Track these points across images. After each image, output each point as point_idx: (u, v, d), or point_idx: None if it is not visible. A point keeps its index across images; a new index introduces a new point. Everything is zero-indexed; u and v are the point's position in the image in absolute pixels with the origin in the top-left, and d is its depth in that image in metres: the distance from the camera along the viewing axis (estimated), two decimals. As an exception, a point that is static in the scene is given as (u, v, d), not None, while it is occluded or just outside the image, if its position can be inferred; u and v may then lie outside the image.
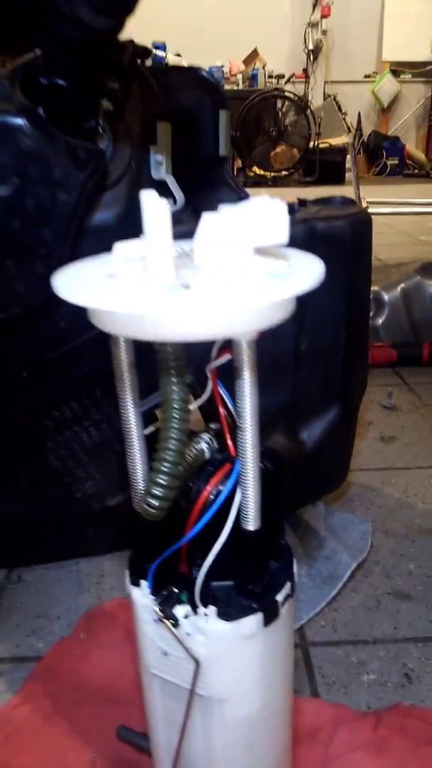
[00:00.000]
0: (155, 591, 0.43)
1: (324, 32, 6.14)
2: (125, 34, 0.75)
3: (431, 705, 0.70)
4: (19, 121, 0.62)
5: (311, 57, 6.19)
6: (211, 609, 0.42)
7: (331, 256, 0.78)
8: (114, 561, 0.92)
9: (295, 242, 0.38)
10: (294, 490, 0.92)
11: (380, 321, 1.72)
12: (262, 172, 5.50)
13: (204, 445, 0.43)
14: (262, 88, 5.70)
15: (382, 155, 6.11)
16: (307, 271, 0.35)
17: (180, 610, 0.42)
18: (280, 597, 0.44)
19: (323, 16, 6.04)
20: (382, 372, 1.63)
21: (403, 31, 6.25)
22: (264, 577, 0.44)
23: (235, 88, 5.77)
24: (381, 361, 1.63)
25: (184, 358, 0.38)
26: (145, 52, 0.76)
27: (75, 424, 0.81)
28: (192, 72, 0.90)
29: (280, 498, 0.45)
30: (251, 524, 0.41)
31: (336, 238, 0.81)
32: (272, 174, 5.48)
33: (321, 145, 5.47)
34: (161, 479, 0.38)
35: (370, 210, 0.96)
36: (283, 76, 5.98)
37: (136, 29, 0.77)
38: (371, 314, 1.71)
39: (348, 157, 5.32)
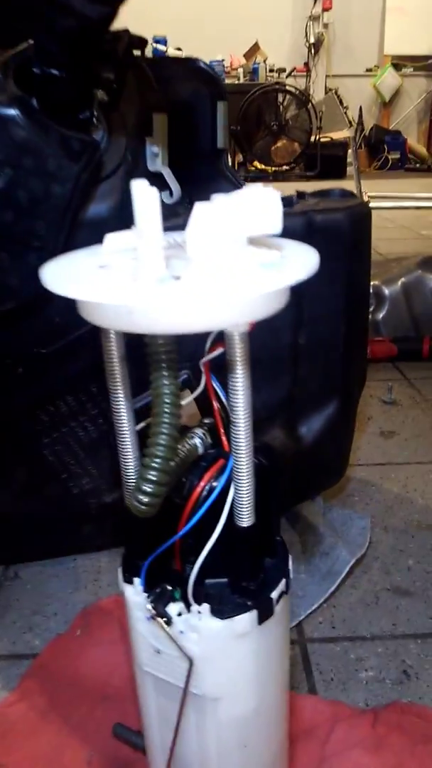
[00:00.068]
0: (148, 588, 0.43)
1: (325, 26, 6.10)
2: (124, 27, 0.74)
3: (429, 702, 0.70)
4: (12, 111, 0.61)
5: (312, 51, 6.15)
6: (205, 606, 0.41)
7: (329, 248, 0.78)
8: (111, 557, 0.92)
9: (293, 234, 0.37)
10: (292, 485, 0.92)
11: (381, 315, 1.71)
12: (263, 167, 5.48)
13: (197, 441, 0.43)
14: (263, 82, 5.67)
15: (384, 149, 6.07)
16: (302, 261, 0.34)
17: (173, 608, 0.42)
18: (274, 594, 0.43)
19: (324, 10, 6.00)
20: (382, 367, 1.62)
21: (405, 25, 6.21)
22: (258, 574, 0.43)
23: (236, 82, 5.74)
24: (381, 355, 1.62)
25: (176, 351, 0.37)
26: (140, 41, 0.75)
27: (71, 420, 0.80)
28: (189, 63, 0.89)
29: (275, 494, 0.44)
30: (245, 520, 0.41)
31: (335, 231, 0.80)
32: (273, 168, 5.46)
33: (322, 140, 5.45)
34: (151, 475, 0.37)
35: (371, 204, 0.95)
36: (284, 70, 5.94)
37: (137, 23, 0.76)
38: (372, 309, 1.70)
39: (349, 151, 5.29)
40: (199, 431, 0.44)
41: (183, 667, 0.42)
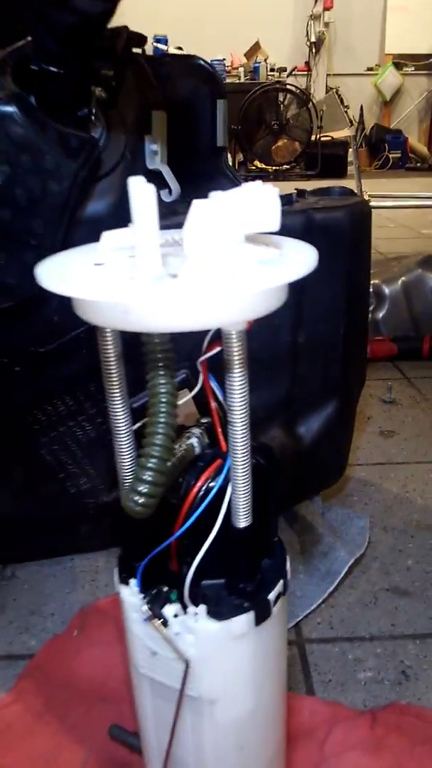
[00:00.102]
0: (144, 589, 0.42)
1: (326, 25, 6.09)
2: (126, 25, 0.74)
3: (428, 703, 0.70)
4: (10, 108, 0.61)
5: (313, 50, 6.14)
6: (201, 608, 0.41)
7: (329, 247, 0.78)
8: (109, 557, 0.91)
9: (292, 233, 0.36)
10: (291, 484, 0.91)
11: (381, 315, 1.70)
12: (263, 166, 5.47)
13: (194, 440, 0.42)
14: (263, 81, 5.66)
15: (385, 149, 6.06)
16: (300, 259, 0.34)
17: (169, 609, 0.41)
18: (272, 595, 0.43)
19: (325, 9, 5.99)
20: (382, 366, 1.61)
21: (406, 24, 6.20)
22: (255, 576, 0.43)
23: (237, 81, 5.73)
24: (381, 355, 1.62)
25: (173, 350, 0.36)
26: (139, 38, 0.75)
27: (69, 419, 0.79)
28: (189, 60, 0.88)
29: (272, 494, 0.44)
30: (242, 521, 0.40)
31: (334, 229, 0.80)
32: (274, 168, 5.45)
33: (323, 139, 5.44)
34: (147, 475, 0.37)
35: (371, 203, 0.94)
36: (285, 69, 5.93)
37: (138, 22, 0.75)
38: (372, 308, 1.70)
39: (350, 150, 5.27)
40: (197, 431, 0.43)
41: (179, 668, 0.42)
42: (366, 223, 0.85)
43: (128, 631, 0.44)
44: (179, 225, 0.35)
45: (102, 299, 0.30)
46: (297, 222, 0.78)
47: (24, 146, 0.61)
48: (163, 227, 0.38)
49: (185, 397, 0.45)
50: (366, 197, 2.72)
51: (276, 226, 0.33)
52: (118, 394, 0.39)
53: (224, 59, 5.71)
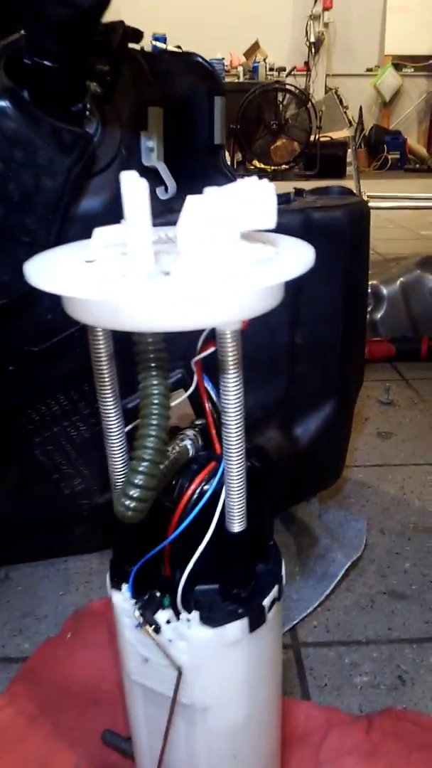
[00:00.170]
0: (136, 595, 0.41)
1: (326, 25, 6.08)
2: (122, 20, 0.73)
3: (425, 708, 0.69)
4: (2, 103, 0.60)
5: (313, 50, 6.14)
6: (194, 614, 0.40)
7: (327, 246, 0.77)
8: (103, 559, 0.90)
9: (290, 232, 0.36)
10: (288, 486, 0.90)
11: (379, 315, 1.70)
12: (262, 166, 5.46)
13: (188, 442, 0.41)
14: (263, 81, 5.65)
15: (384, 149, 6.06)
16: (297, 257, 0.33)
17: (162, 616, 0.40)
18: (266, 601, 0.42)
19: (325, 9, 5.99)
20: (380, 367, 1.61)
21: (406, 25, 6.19)
22: (250, 581, 0.42)
23: (236, 80, 5.72)
24: (379, 356, 1.61)
25: (165, 350, 0.36)
26: (136, 34, 0.74)
27: (63, 419, 0.78)
28: (187, 57, 0.87)
29: (268, 497, 0.43)
30: (237, 525, 0.39)
31: (333, 229, 0.79)
32: (272, 167, 5.44)
33: (322, 139, 5.43)
34: (138, 479, 0.36)
35: (370, 204, 0.93)
36: (284, 69, 5.93)
37: (137, 21, 0.74)
38: (370, 308, 1.69)
39: (349, 151, 5.27)
40: (190, 432, 0.42)
41: (172, 676, 0.41)
42: (365, 222, 0.85)
43: (120, 637, 0.43)
44: (175, 223, 0.34)
45: (91, 297, 0.29)
46: (295, 221, 0.77)
47: (17, 141, 0.60)
48: (158, 225, 0.37)
49: (180, 398, 0.44)
50: (365, 198, 2.71)
51: (272, 223, 0.32)
52: (109, 395, 0.38)
53: (223, 59, 5.70)
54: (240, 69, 5.85)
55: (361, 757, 0.63)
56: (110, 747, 0.60)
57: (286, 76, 5.84)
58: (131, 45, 0.78)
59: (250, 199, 0.32)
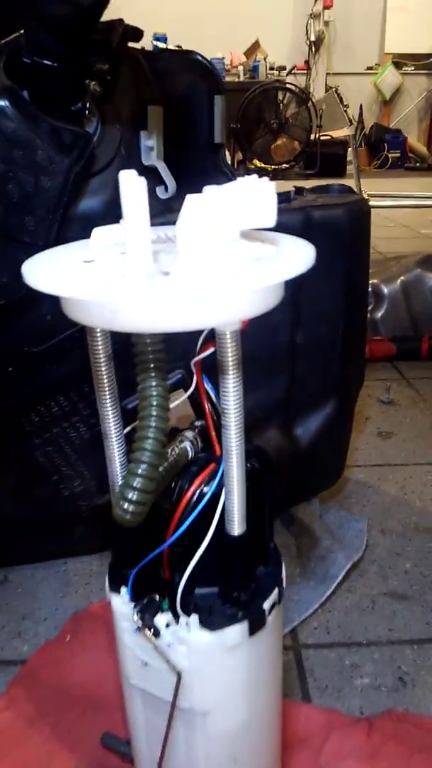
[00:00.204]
0: (135, 598, 0.41)
1: (326, 23, 6.08)
2: (122, 18, 0.72)
3: (426, 710, 0.68)
4: (2, 102, 0.59)
5: (313, 49, 6.13)
6: (194, 618, 0.39)
7: (328, 245, 0.76)
8: (102, 561, 0.90)
9: (290, 231, 0.35)
10: (288, 486, 0.90)
11: (379, 314, 1.69)
12: (262, 165, 5.46)
13: (187, 444, 0.41)
14: (263, 80, 5.65)
15: (384, 148, 6.05)
16: (297, 256, 0.33)
17: (161, 619, 0.40)
18: (266, 604, 0.41)
19: (325, 7, 5.98)
20: (380, 366, 1.60)
21: (406, 23, 6.19)
22: (250, 584, 0.41)
23: (237, 80, 5.71)
24: (380, 355, 1.61)
25: (164, 351, 0.35)
26: (135, 32, 0.73)
27: (63, 420, 0.78)
28: (186, 55, 0.87)
29: (268, 499, 0.42)
30: (236, 528, 0.39)
31: (333, 227, 0.79)
32: (273, 166, 5.43)
33: (322, 138, 5.42)
34: (136, 482, 0.35)
35: (370, 203, 0.93)
36: (284, 68, 5.92)
37: (138, 21, 0.74)
38: (370, 307, 1.68)
39: (349, 149, 5.26)
40: (190, 434, 0.42)
41: (171, 680, 0.40)
42: (365, 221, 0.84)
43: (119, 641, 0.43)
44: (175, 222, 0.34)
45: (90, 298, 0.29)
46: (295, 219, 0.77)
47: (16, 141, 0.60)
48: (158, 224, 0.36)
49: (180, 399, 0.43)
50: (365, 196, 2.71)
51: (272, 221, 0.32)
52: (108, 397, 0.38)
53: (224, 58, 5.69)
54: (240, 68, 5.84)
55: (362, 760, 0.63)
56: (109, 750, 0.60)
57: (287, 75, 5.83)
58: (132, 44, 0.77)
59: (250, 197, 0.32)
